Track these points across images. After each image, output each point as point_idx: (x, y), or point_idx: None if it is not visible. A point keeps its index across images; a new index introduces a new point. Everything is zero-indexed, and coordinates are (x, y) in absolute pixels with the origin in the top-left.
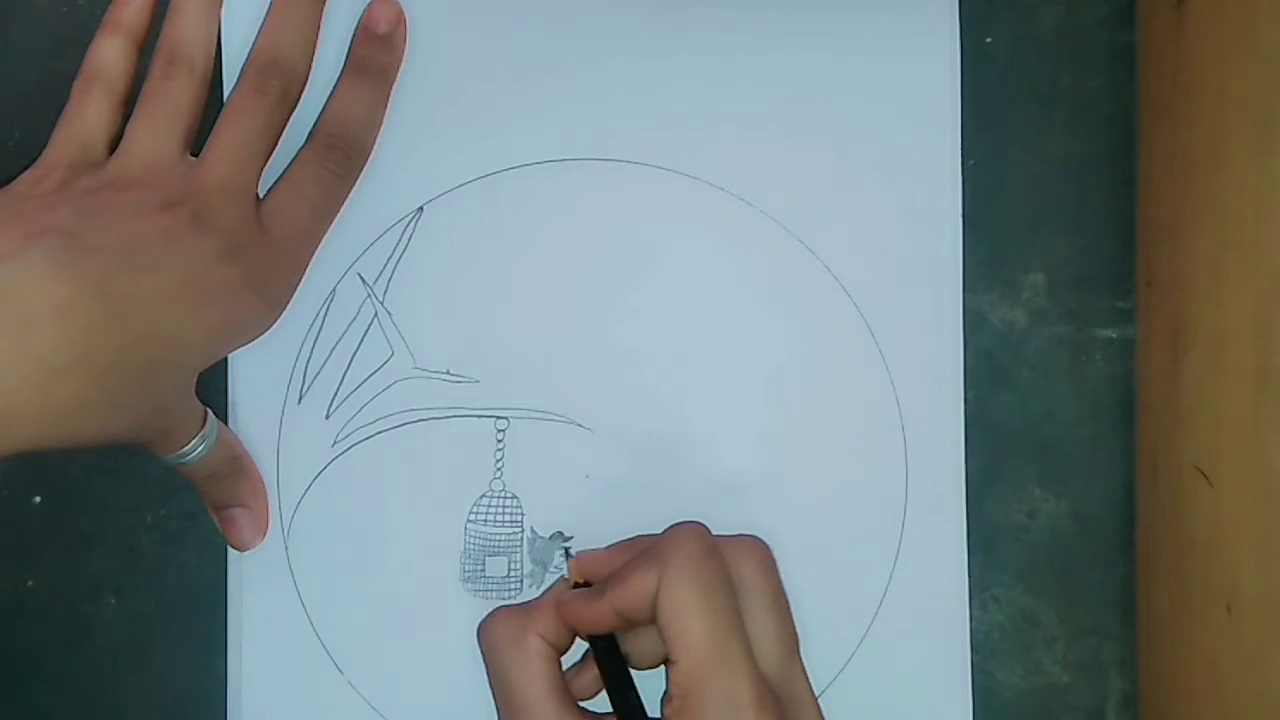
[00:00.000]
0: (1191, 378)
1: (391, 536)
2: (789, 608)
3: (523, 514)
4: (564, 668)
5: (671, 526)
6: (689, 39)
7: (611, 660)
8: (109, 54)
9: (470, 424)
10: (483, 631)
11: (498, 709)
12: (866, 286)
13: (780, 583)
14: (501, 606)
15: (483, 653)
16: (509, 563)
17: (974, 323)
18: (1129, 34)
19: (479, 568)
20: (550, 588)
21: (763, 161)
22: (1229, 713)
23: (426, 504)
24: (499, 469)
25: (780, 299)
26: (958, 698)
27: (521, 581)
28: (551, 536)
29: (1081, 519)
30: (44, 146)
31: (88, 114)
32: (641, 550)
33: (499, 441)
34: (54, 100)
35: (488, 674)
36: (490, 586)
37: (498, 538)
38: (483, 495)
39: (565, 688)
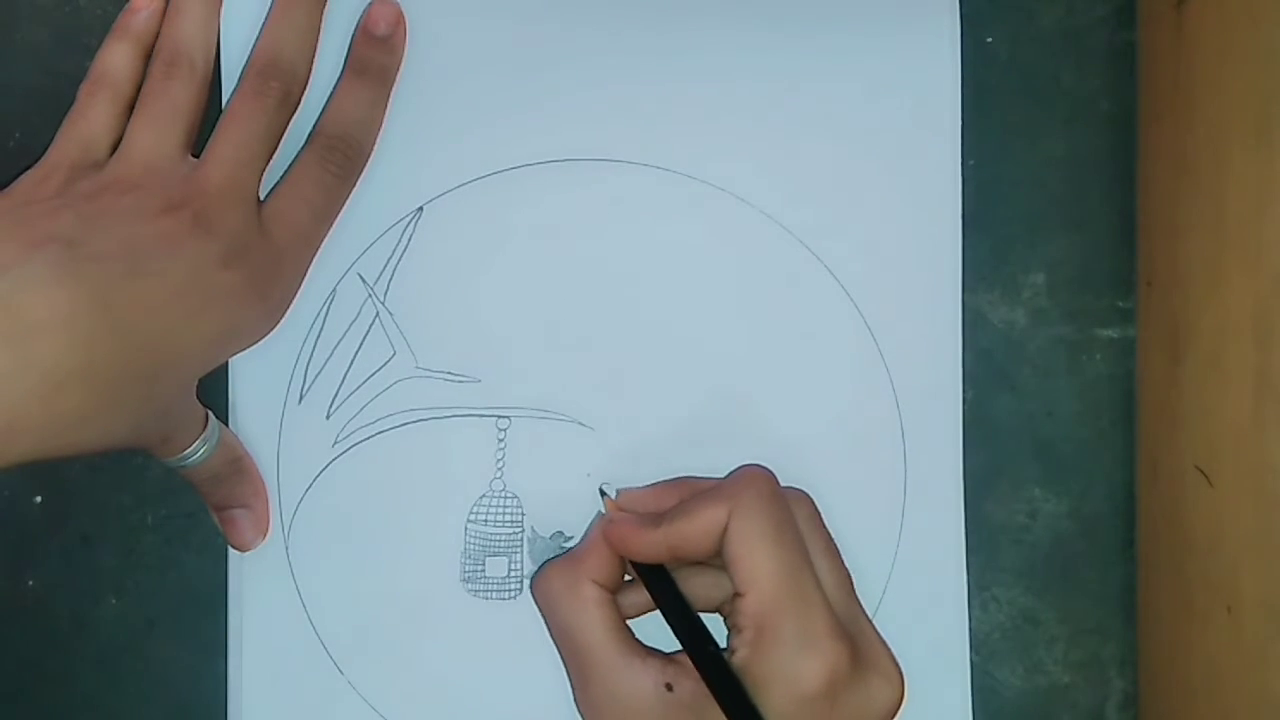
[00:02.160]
0: (1191, 378)
1: (392, 536)
2: (840, 554)
3: (523, 514)
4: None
5: (738, 468)
6: (688, 40)
7: (668, 590)
8: (116, 59)
9: (471, 424)
10: (537, 586)
11: (563, 660)
12: (866, 286)
13: (829, 532)
14: (552, 559)
15: (539, 607)
16: (509, 563)
17: (974, 323)
18: (1129, 34)
19: (479, 568)
20: (590, 528)
21: (763, 162)
22: (1229, 713)
23: (427, 504)
24: (499, 469)
25: (780, 299)
26: (958, 698)
27: (521, 582)
28: (552, 536)
29: (1081, 519)
30: (45, 147)
31: (92, 116)
32: (698, 489)
33: (500, 441)
34: (55, 101)
35: (548, 627)
36: (490, 587)
37: (498, 538)
38: (483, 495)
39: (625, 629)
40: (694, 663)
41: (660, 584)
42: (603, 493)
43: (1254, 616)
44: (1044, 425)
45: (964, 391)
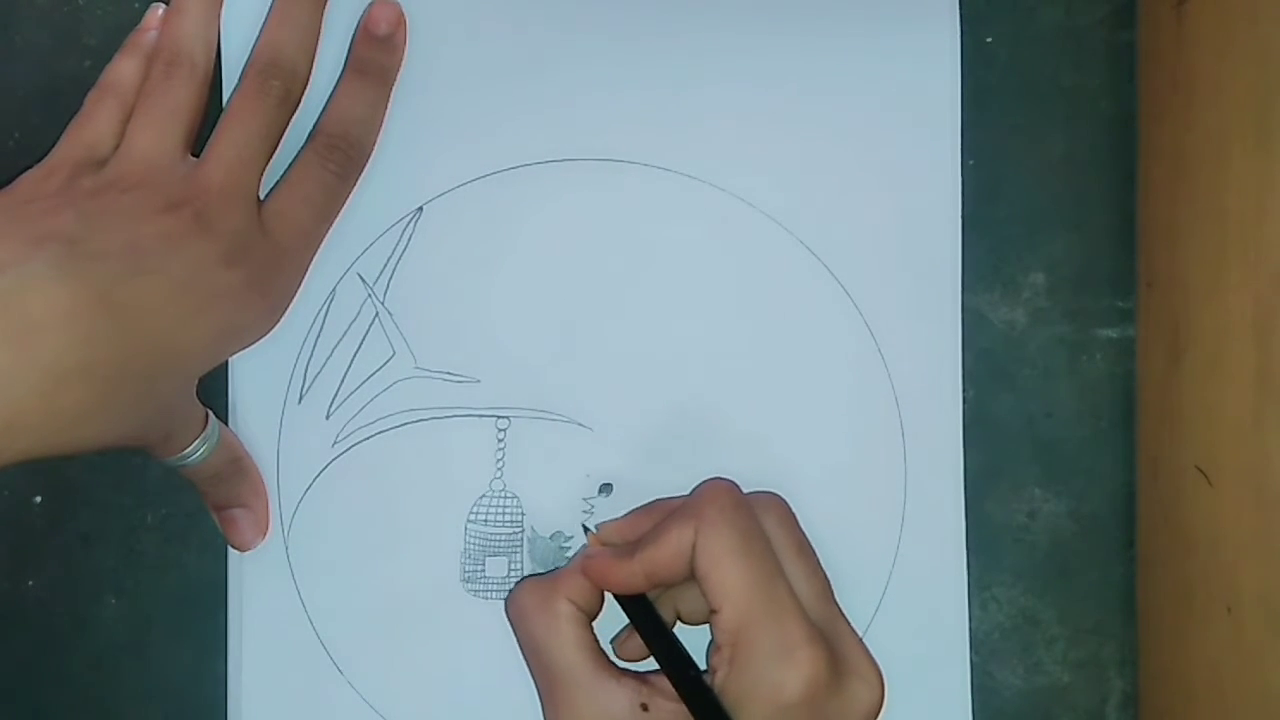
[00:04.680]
0: (1191, 378)
1: (391, 536)
2: (816, 556)
3: (523, 514)
4: (612, 634)
5: (701, 484)
6: (688, 40)
7: (647, 617)
8: (126, 70)
9: (471, 424)
10: (510, 601)
11: (534, 678)
12: (866, 286)
13: (803, 533)
14: (528, 576)
15: (511, 623)
16: (509, 563)
17: (974, 323)
18: (1129, 34)
19: (479, 568)
20: (571, 561)
21: (763, 162)
22: (1229, 713)
23: (426, 504)
24: (499, 469)
25: (780, 299)
26: (958, 698)
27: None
28: (552, 536)
29: (1081, 519)
30: (44, 147)
31: (98, 119)
32: (670, 511)
33: (499, 441)
34: (54, 101)
35: (520, 644)
36: (490, 587)
37: (498, 538)
38: (483, 495)
39: (599, 648)
40: (676, 688)
41: (639, 610)
42: (585, 529)
43: (1254, 616)
44: (1044, 425)
45: (964, 391)
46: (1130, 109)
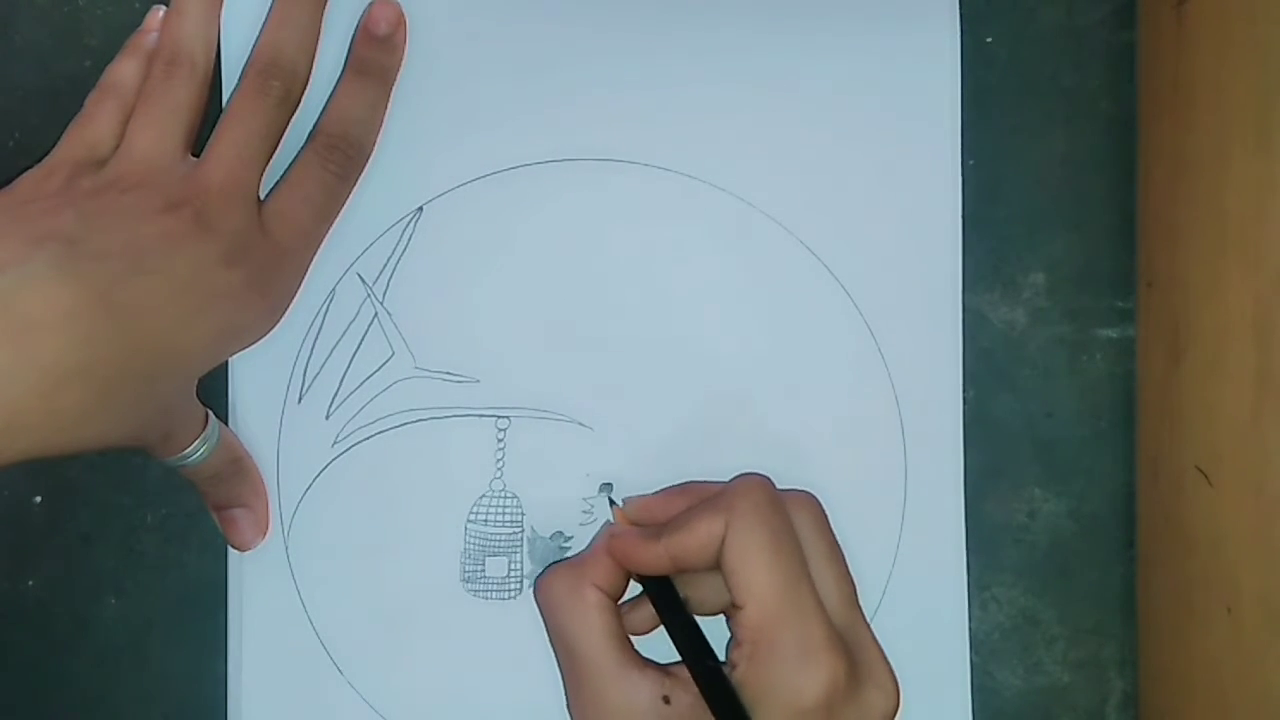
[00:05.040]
0: (1191, 378)
1: (391, 537)
2: (845, 559)
3: (523, 514)
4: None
5: (737, 477)
6: (689, 40)
7: (669, 600)
8: (126, 71)
9: (471, 424)
10: (539, 589)
11: (560, 664)
12: (866, 286)
13: (834, 535)
14: (556, 562)
15: (540, 610)
16: (509, 563)
17: (974, 323)
18: (1129, 34)
19: (479, 568)
20: (597, 536)
21: (763, 161)
22: (1229, 713)
23: (426, 504)
24: (499, 469)
25: (779, 299)
26: (958, 698)
27: (522, 582)
28: (551, 536)
29: (1081, 519)
30: (44, 147)
31: (98, 119)
32: (703, 498)
33: (499, 441)
34: (54, 101)
35: (547, 630)
36: (490, 587)
37: (498, 538)
38: (483, 495)
39: (625, 637)
40: (693, 677)
41: (663, 595)
42: (611, 502)
43: (1254, 616)
44: (1044, 425)
45: (964, 391)
46: (1130, 109)
